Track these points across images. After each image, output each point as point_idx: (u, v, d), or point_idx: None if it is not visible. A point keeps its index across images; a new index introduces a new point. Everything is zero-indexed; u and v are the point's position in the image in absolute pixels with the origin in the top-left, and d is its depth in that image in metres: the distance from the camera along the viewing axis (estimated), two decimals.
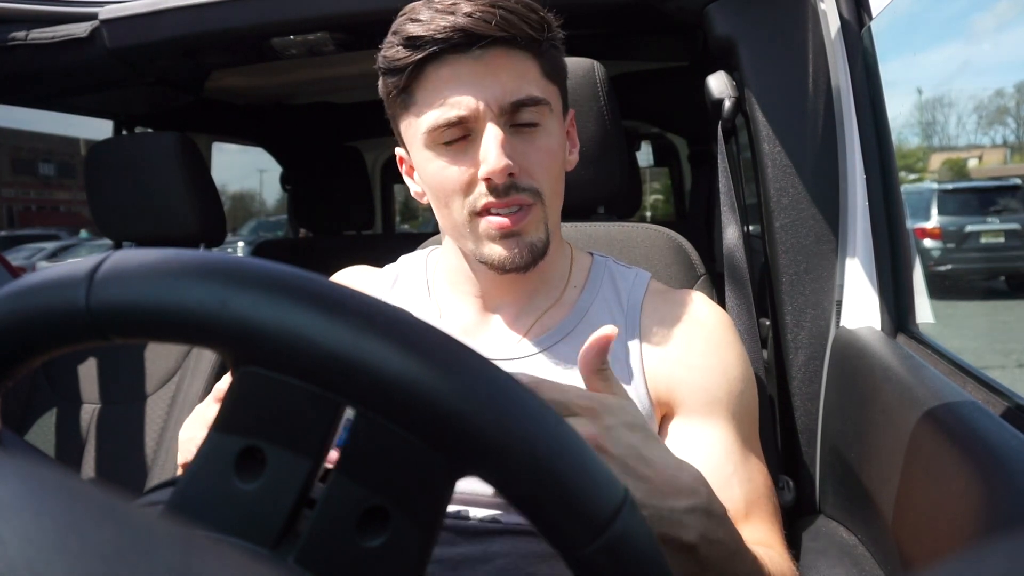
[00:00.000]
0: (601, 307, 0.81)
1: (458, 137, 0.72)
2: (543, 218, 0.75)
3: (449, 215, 0.76)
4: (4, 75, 1.44)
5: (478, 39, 0.69)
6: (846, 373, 0.95)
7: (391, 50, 0.73)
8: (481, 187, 0.72)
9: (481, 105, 0.70)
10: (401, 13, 0.73)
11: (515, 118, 0.72)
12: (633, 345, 0.79)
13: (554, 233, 0.79)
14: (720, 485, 0.72)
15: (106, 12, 1.34)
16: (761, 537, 0.72)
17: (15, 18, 1.38)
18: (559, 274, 0.84)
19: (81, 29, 1.35)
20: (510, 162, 0.70)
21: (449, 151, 0.73)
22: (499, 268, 0.75)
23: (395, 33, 0.72)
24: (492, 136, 0.70)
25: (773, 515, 0.75)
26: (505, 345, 0.80)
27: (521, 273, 0.76)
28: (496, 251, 0.74)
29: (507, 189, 0.72)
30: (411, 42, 0.70)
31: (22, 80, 1.51)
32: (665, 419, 0.77)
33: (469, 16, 0.68)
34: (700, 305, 0.82)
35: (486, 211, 0.73)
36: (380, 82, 0.77)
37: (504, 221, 0.72)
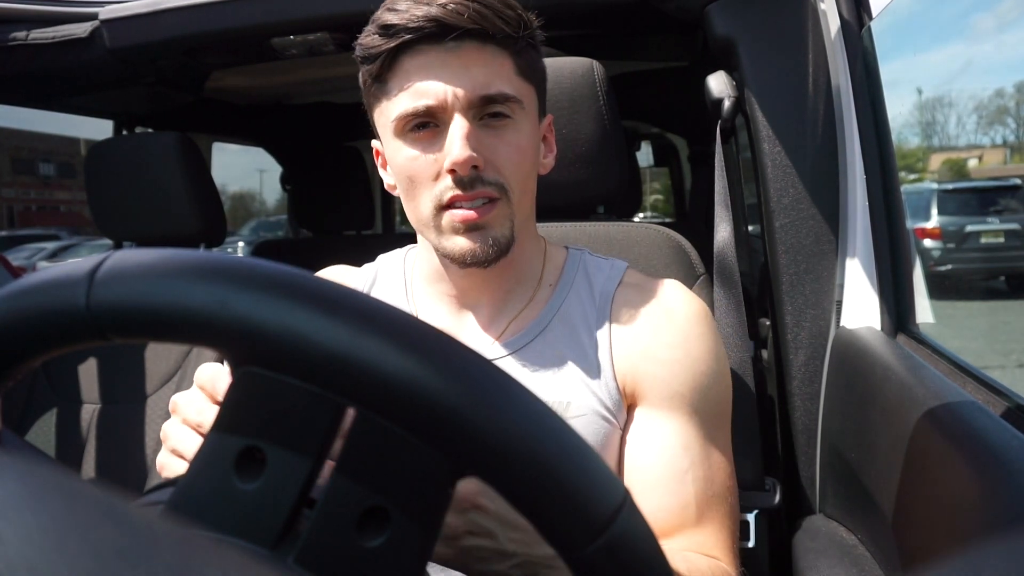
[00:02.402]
0: (574, 302, 0.81)
1: (426, 127, 0.72)
2: (509, 215, 0.75)
3: (416, 207, 0.76)
4: (4, 75, 1.44)
5: (450, 30, 0.69)
6: (846, 373, 0.95)
7: (367, 38, 0.73)
8: (447, 179, 0.72)
9: (449, 96, 0.71)
10: (383, 4, 0.73)
11: (484, 112, 0.72)
12: (603, 336, 0.78)
13: (523, 231, 0.79)
14: (673, 480, 0.72)
15: (106, 12, 1.34)
16: (705, 540, 0.71)
17: (15, 18, 1.38)
18: (532, 272, 0.83)
19: (81, 29, 1.35)
20: (474, 154, 0.70)
21: (418, 141, 0.73)
22: (461, 261, 0.74)
23: (373, 22, 0.73)
24: (458, 127, 0.71)
25: (726, 518, 0.73)
26: (481, 345, 0.80)
27: (483, 268, 0.75)
28: (459, 244, 0.74)
29: (472, 182, 0.72)
30: (386, 30, 0.71)
31: (22, 80, 1.51)
32: (630, 409, 0.77)
33: (443, 7, 0.69)
34: (673, 296, 0.81)
35: (451, 204, 0.73)
36: (360, 72, 0.77)
37: (469, 214, 0.72)
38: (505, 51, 0.73)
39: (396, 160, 0.75)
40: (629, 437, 0.76)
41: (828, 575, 0.79)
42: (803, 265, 1.03)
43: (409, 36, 0.70)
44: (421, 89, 0.71)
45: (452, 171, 0.71)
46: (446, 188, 0.72)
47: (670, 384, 0.75)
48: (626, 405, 0.77)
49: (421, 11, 0.69)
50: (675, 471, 0.72)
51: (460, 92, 0.70)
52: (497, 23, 0.71)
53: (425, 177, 0.73)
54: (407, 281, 0.87)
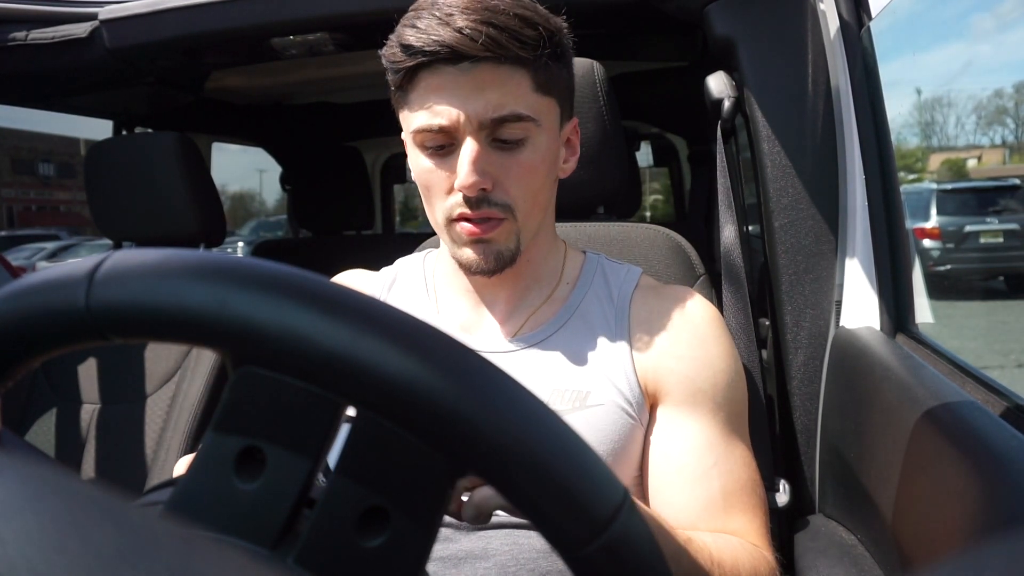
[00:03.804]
0: (592, 302, 0.84)
1: (441, 144, 0.75)
2: (515, 232, 0.77)
3: (432, 213, 0.80)
4: (4, 75, 1.44)
5: (464, 56, 0.70)
6: (845, 373, 0.95)
7: (390, 51, 0.75)
8: (458, 196, 0.75)
9: (462, 118, 0.72)
10: (411, 9, 0.75)
11: (497, 132, 0.74)
12: (622, 335, 0.81)
13: (539, 235, 0.82)
14: (699, 476, 0.74)
15: (106, 12, 1.34)
16: (737, 529, 0.73)
17: (15, 18, 1.38)
18: (552, 272, 0.86)
19: (81, 29, 1.35)
20: (480, 179, 0.72)
21: (434, 155, 0.76)
22: (467, 270, 0.79)
23: (396, 35, 0.75)
24: (468, 151, 0.73)
25: (755, 508, 0.76)
26: (500, 340, 0.83)
27: (487, 277, 0.79)
28: (466, 254, 0.77)
29: (479, 202, 0.74)
30: (405, 49, 0.73)
31: (22, 80, 1.51)
32: (653, 409, 0.79)
33: (458, 32, 0.69)
34: (688, 300, 0.84)
35: (460, 219, 0.76)
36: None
37: (475, 229, 0.76)
38: (523, 68, 0.73)
39: (415, 166, 0.79)
40: (653, 437, 0.78)
41: (828, 575, 0.79)
42: (803, 265, 1.03)
43: (425, 58, 0.72)
44: (436, 108, 0.73)
45: (460, 190, 0.74)
46: (456, 204, 0.75)
47: (693, 381, 0.78)
48: (648, 405, 0.79)
49: (437, 35, 0.70)
50: (701, 467, 0.75)
51: (472, 114, 0.72)
52: (512, 47, 0.71)
53: (439, 190, 0.76)
54: (427, 279, 0.90)
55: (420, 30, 0.72)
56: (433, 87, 0.73)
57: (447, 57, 0.71)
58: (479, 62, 0.71)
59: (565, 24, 0.78)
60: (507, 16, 0.71)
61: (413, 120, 0.75)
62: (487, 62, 0.71)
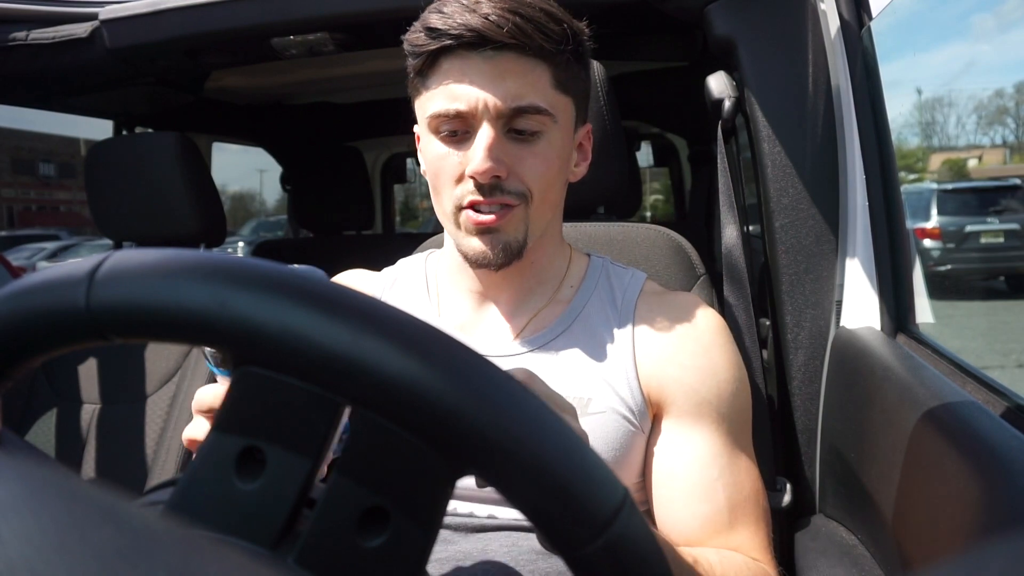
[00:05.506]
0: (596, 305, 0.83)
1: (456, 130, 0.74)
2: (525, 220, 0.76)
3: (440, 202, 0.79)
4: (4, 75, 1.44)
5: (489, 41, 0.70)
6: (846, 373, 0.95)
7: (413, 35, 0.76)
8: (469, 183, 0.74)
9: (480, 104, 0.72)
10: (433, 3, 0.75)
11: (514, 123, 0.74)
12: (626, 341, 0.80)
13: (545, 235, 0.81)
14: (705, 488, 0.74)
15: (106, 12, 1.34)
16: (741, 543, 0.73)
17: (15, 18, 1.38)
18: (555, 273, 0.85)
19: (81, 29, 1.35)
20: (494, 165, 0.72)
21: (449, 140, 0.75)
22: (473, 262, 0.77)
23: (421, 20, 0.75)
24: (484, 137, 0.72)
25: (759, 520, 0.75)
26: (501, 342, 0.82)
27: (493, 270, 0.78)
28: (473, 244, 0.76)
29: (492, 189, 0.74)
30: (430, 32, 0.73)
31: (22, 80, 1.51)
32: (656, 418, 0.78)
33: (484, 18, 0.70)
34: (693, 307, 0.83)
35: (471, 206, 0.75)
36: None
37: (484, 218, 0.75)
38: (544, 63, 0.74)
39: (428, 152, 0.78)
40: (657, 448, 0.77)
41: (828, 575, 0.79)
42: (803, 265, 1.03)
43: (449, 41, 0.72)
44: (455, 93, 0.73)
45: (473, 177, 0.73)
46: (467, 191, 0.75)
47: (697, 391, 0.77)
48: (651, 414, 0.78)
49: (463, 19, 0.70)
50: (706, 479, 0.74)
51: (491, 101, 0.72)
52: (537, 38, 0.71)
53: (450, 176, 0.76)
54: (428, 279, 0.89)
55: (446, 15, 0.72)
56: (454, 72, 0.73)
57: (471, 42, 0.71)
58: (502, 50, 0.71)
59: (587, 29, 0.79)
60: (534, 9, 0.72)
61: (430, 105, 0.75)
62: (510, 51, 0.71)
